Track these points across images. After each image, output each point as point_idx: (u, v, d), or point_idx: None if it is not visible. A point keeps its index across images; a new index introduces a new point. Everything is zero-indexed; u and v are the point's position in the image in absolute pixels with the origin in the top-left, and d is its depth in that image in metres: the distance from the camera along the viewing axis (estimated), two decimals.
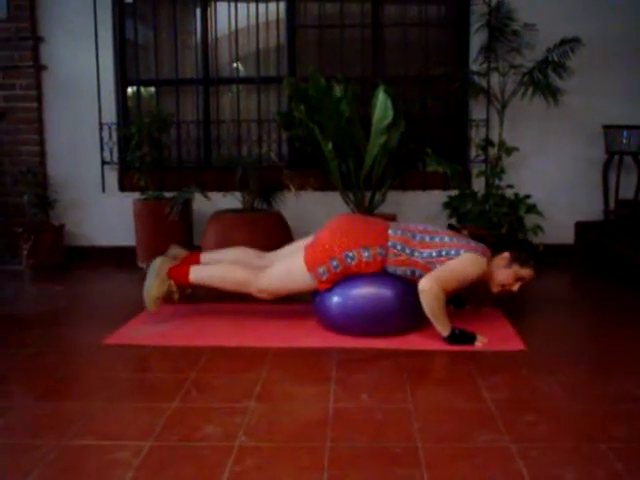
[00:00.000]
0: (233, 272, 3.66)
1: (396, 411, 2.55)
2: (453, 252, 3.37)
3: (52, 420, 2.48)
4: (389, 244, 3.42)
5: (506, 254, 3.48)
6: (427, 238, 3.45)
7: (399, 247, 3.41)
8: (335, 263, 3.43)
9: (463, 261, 3.36)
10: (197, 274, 3.70)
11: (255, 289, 3.62)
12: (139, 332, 3.59)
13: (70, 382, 2.92)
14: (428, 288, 3.27)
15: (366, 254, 3.41)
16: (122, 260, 5.50)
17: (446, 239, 3.45)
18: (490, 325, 3.61)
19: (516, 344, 3.35)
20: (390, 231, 3.47)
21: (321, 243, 3.49)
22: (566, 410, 2.56)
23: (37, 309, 4.15)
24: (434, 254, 3.39)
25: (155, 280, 3.65)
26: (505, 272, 3.46)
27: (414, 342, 3.40)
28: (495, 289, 3.53)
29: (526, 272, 3.47)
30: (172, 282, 3.69)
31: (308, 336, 3.52)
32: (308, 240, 3.65)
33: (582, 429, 2.39)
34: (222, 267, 3.70)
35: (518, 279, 3.48)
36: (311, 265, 3.46)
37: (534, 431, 2.37)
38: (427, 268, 3.39)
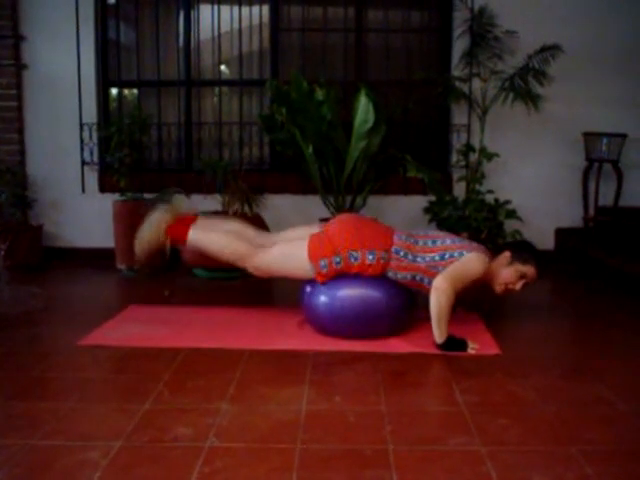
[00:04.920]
0: (234, 243, 3.62)
1: (369, 414, 2.54)
2: (456, 254, 3.39)
3: (22, 420, 2.45)
4: (393, 250, 3.45)
5: (507, 253, 3.51)
6: (429, 243, 3.48)
7: (402, 253, 3.44)
8: (338, 259, 3.44)
9: (468, 261, 3.38)
10: (197, 235, 3.66)
11: (251, 265, 3.60)
12: (115, 333, 3.56)
13: (43, 382, 2.88)
14: (444, 288, 3.27)
15: (370, 257, 3.43)
16: (101, 262, 5.46)
17: (447, 241, 3.48)
18: (467, 329, 3.60)
19: (492, 348, 3.35)
20: (395, 237, 3.50)
21: (328, 237, 3.49)
22: (538, 414, 2.57)
23: (13, 310, 4.09)
24: (437, 257, 3.41)
25: (150, 232, 3.65)
26: (507, 270, 3.47)
27: (392, 345, 3.39)
28: (498, 288, 3.52)
29: (528, 269, 3.48)
30: (168, 238, 3.67)
31: (285, 338, 3.51)
32: (313, 229, 3.65)
33: (554, 432, 2.39)
34: (223, 235, 3.66)
35: (521, 277, 3.48)
36: (314, 256, 3.46)
37: (506, 434, 2.37)
38: (429, 272, 3.41)
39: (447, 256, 3.40)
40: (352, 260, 3.44)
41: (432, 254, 3.43)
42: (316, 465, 2.12)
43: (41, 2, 5.53)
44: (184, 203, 3.89)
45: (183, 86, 5.79)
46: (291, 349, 3.33)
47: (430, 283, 3.37)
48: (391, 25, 5.75)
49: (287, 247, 3.59)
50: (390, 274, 3.48)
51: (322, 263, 3.45)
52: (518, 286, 3.49)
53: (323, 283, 3.50)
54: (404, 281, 3.49)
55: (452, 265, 3.37)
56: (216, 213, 4.92)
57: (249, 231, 3.81)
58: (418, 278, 3.45)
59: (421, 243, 3.49)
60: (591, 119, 5.48)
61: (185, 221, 3.73)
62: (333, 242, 3.46)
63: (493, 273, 3.50)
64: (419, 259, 3.43)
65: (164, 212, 3.70)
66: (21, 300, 4.36)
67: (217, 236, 3.66)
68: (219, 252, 3.65)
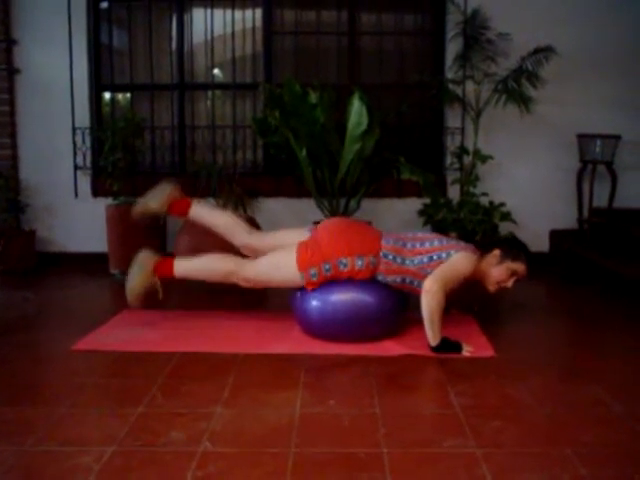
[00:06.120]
0: (219, 262, 3.64)
1: (363, 417, 2.53)
2: (444, 255, 3.39)
3: (15, 426, 2.44)
4: (381, 254, 3.44)
5: (496, 251, 3.50)
6: (417, 245, 3.47)
7: (391, 257, 3.43)
8: (327, 267, 3.43)
9: (455, 261, 3.38)
10: (181, 269, 3.69)
11: (241, 278, 3.60)
12: (108, 338, 3.55)
13: (36, 388, 2.87)
14: (434, 290, 3.27)
15: (359, 263, 3.42)
16: (94, 266, 5.44)
17: (435, 243, 3.47)
18: (461, 332, 3.60)
19: (486, 351, 3.35)
20: (383, 241, 3.49)
21: (317, 245, 3.48)
22: (533, 416, 2.56)
23: (6, 315, 4.08)
24: (425, 260, 3.40)
25: (139, 276, 3.65)
26: (498, 269, 3.47)
27: (385, 348, 3.38)
28: (491, 287, 3.52)
29: (519, 266, 3.47)
30: (157, 278, 3.68)
31: (278, 342, 3.50)
32: (302, 236, 3.63)
33: (548, 434, 2.39)
34: (207, 260, 3.68)
35: (512, 274, 3.48)
36: (303, 265, 3.45)
37: (500, 436, 2.36)
38: (419, 275, 3.41)
39: (435, 257, 3.40)
40: (341, 267, 3.43)
41: (420, 256, 3.42)
42: (310, 469, 2.11)
43: (33, 6, 5.52)
44: (171, 189, 3.83)
45: (176, 90, 5.78)
46: (285, 353, 3.32)
47: (420, 285, 3.36)
48: (384, 28, 5.75)
49: (274, 258, 3.57)
50: (380, 277, 3.47)
51: (312, 272, 3.44)
52: (510, 283, 3.50)
53: (312, 290, 3.49)
54: (394, 284, 3.48)
55: (441, 266, 3.36)
56: None
57: (240, 227, 3.80)
58: (408, 281, 3.45)
59: (409, 246, 3.48)
60: (585, 121, 5.48)
61: (167, 260, 3.74)
62: (322, 250, 3.45)
63: (484, 272, 3.49)
64: (408, 262, 3.43)
65: (147, 253, 3.72)
66: (14, 305, 4.34)
67: (202, 261, 3.71)
68: (208, 276, 3.70)
